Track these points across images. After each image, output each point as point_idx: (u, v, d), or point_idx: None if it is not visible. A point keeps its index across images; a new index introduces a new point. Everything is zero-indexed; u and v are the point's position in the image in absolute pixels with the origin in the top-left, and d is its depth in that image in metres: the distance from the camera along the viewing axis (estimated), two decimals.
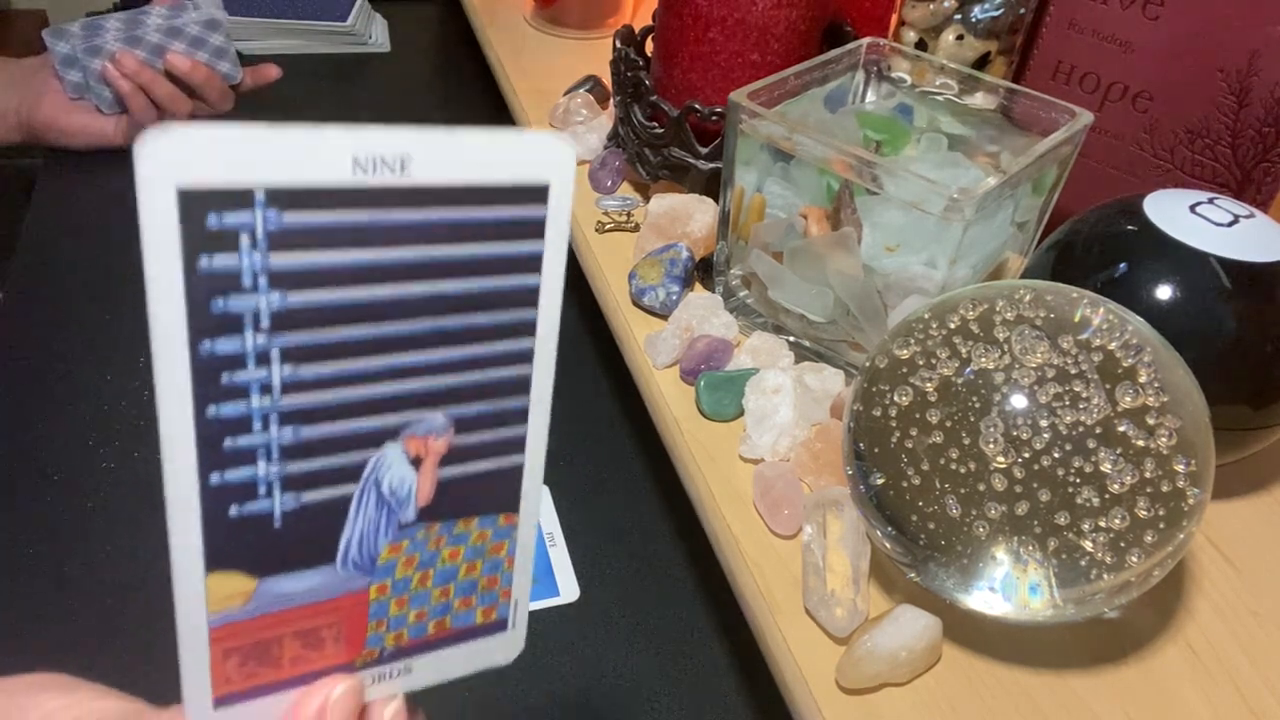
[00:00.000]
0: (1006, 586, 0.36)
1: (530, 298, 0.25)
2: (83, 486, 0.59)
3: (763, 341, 0.53)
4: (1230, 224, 0.43)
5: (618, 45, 0.64)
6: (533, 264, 0.24)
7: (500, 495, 0.27)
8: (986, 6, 0.56)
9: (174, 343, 0.21)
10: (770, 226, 0.52)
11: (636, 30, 0.66)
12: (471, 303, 0.24)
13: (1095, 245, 0.45)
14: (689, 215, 0.60)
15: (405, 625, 0.27)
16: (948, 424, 0.36)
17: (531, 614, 0.56)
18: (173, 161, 0.19)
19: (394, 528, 0.25)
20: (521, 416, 0.26)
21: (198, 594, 0.23)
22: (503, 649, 0.29)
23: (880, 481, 0.38)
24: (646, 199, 0.65)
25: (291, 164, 0.20)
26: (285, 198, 0.20)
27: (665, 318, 0.57)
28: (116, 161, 0.88)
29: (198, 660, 0.24)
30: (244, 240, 0.20)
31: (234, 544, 0.23)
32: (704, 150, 0.61)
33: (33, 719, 0.27)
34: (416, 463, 0.25)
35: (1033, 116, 0.51)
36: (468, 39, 1.01)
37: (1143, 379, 0.35)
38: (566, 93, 0.78)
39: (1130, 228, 0.44)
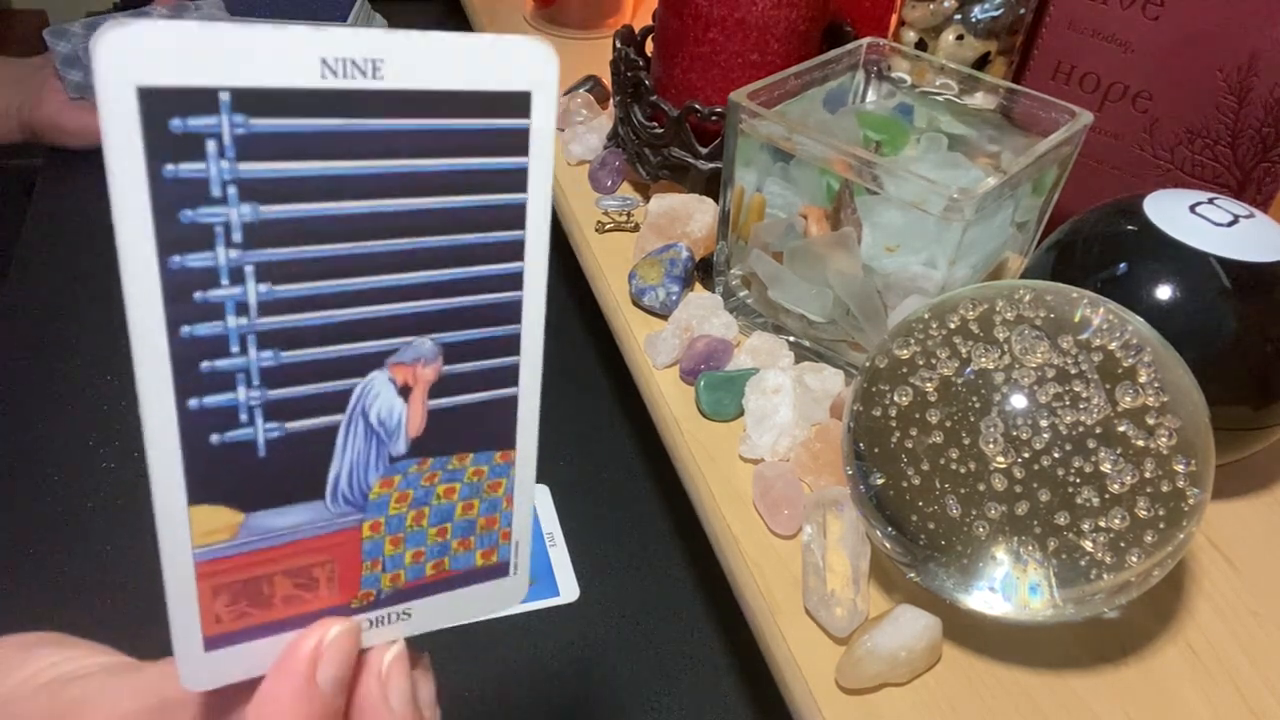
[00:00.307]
0: (1006, 586, 0.36)
1: (517, 217, 0.24)
2: (83, 486, 0.59)
3: (763, 341, 0.53)
4: (1230, 224, 0.43)
5: (618, 45, 0.64)
6: (518, 180, 0.23)
7: (495, 430, 0.26)
8: (986, 6, 0.56)
9: (142, 257, 0.20)
10: (770, 226, 0.52)
11: (636, 30, 0.66)
12: (455, 220, 0.23)
13: (1095, 245, 0.45)
14: (689, 215, 0.60)
15: (402, 566, 0.26)
16: (948, 424, 0.36)
17: (531, 614, 0.56)
18: (133, 59, 0.18)
19: (384, 461, 0.24)
20: (514, 345, 0.25)
21: (181, 526, 0.22)
22: (505, 595, 0.28)
23: (880, 481, 0.38)
24: (646, 199, 0.65)
25: (257, 65, 0.19)
26: (252, 101, 0.20)
27: (665, 318, 0.57)
28: None
29: (185, 598, 0.23)
30: (210, 146, 0.20)
31: (217, 475, 0.22)
32: (704, 150, 0.61)
33: (28, 672, 0.27)
34: (405, 392, 0.24)
35: (1033, 116, 0.51)
36: None
37: (1143, 379, 0.35)
38: (566, 93, 0.78)
39: (1130, 228, 0.44)
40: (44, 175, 0.87)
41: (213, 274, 0.21)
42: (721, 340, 0.53)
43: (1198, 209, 0.44)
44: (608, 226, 0.65)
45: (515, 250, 0.24)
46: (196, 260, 0.20)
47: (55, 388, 0.66)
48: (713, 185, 0.61)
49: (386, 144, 0.21)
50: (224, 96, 0.19)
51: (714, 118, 0.59)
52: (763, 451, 0.48)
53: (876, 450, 0.38)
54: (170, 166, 0.19)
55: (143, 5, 0.85)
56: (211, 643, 0.24)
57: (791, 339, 0.54)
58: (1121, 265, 0.43)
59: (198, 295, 0.21)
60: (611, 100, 0.70)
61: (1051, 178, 0.50)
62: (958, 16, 0.57)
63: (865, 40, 0.56)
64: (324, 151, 0.21)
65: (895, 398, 0.38)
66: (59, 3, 1.64)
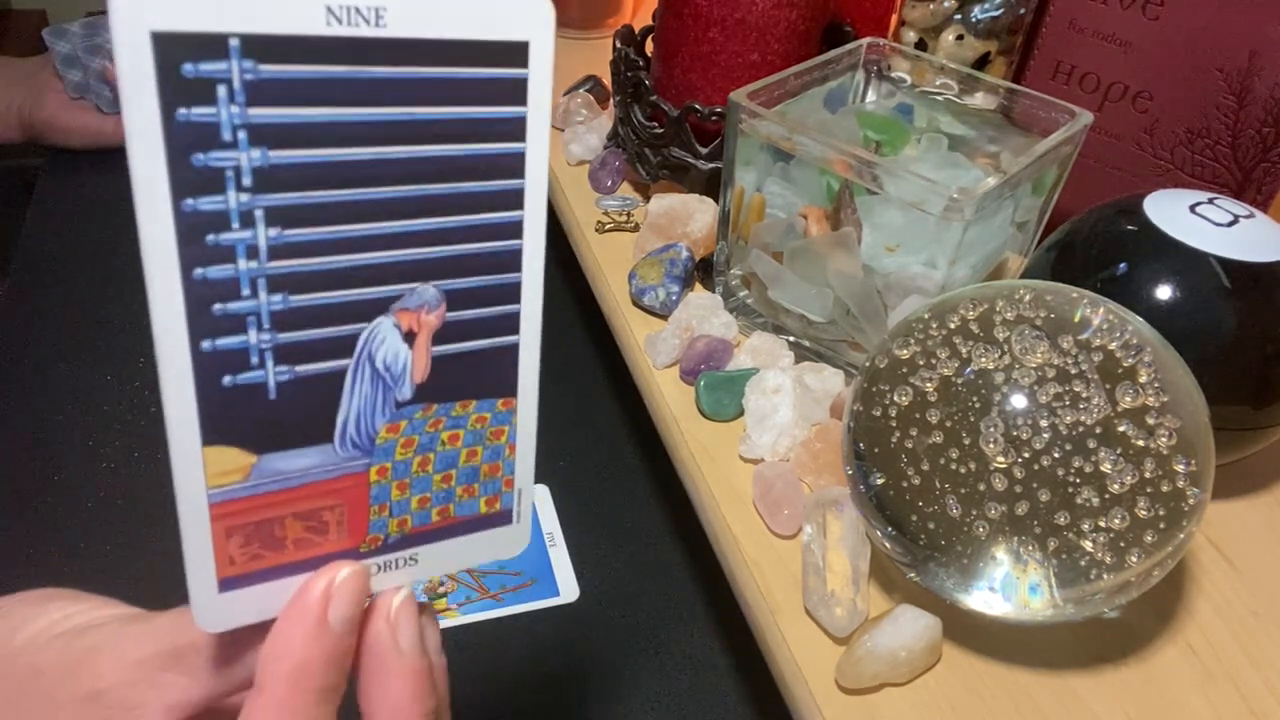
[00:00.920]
0: (1006, 586, 0.36)
1: (516, 165, 0.24)
2: (83, 486, 0.59)
3: (763, 341, 0.53)
4: (1230, 224, 0.43)
5: (618, 45, 0.64)
6: (516, 129, 0.24)
7: (498, 378, 0.27)
8: (986, 6, 0.56)
9: (158, 199, 0.20)
10: (770, 226, 0.52)
11: (636, 30, 0.66)
12: (457, 168, 0.23)
13: (1095, 245, 0.45)
14: (689, 215, 0.60)
15: (408, 512, 0.26)
16: (948, 424, 0.36)
17: (531, 614, 0.56)
18: (147, 4, 0.19)
19: (390, 406, 0.25)
20: (514, 294, 0.26)
21: (196, 467, 0.23)
22: (507, 542, 0.29)
23: (880, 481, 0.38)
24: (646, 199, 0.65)
25: (265, 12, 0.20)
26: (260, 47, 0.20)
27: (665, 318, 0.57)
28: (117, 161, 0.87)
29: (200, 539, 0.23)
30: (221, 91, 0.20)
31: (230, 416, 0.23)
32: (704, 150, 0.61)
33: (43, 624, 0.28)
34: (410, 338, 0.25)
35: (1033, 116, 0.51)
36: None
37: (1143, 379, 0.35)
38: (566, 93, 0.78)
39: (1130, 228, 0.44)
40: (44, 175, 0.87)
41: (224, 217, 0.21)
42: (721, 340, 0.53)
43: (1198, 209, 0.44)
44: (608, 226, 0.65)
45: (515, 199, 0.25)
46: (209, 203, 0.21)
47: (55, 388, 0.66)
48: (713, 185, 0.61)
49: (390, 91, 0.22)
50: (234, 42, 0.20)
51: (714, 118, 0.59)
52: (763, 451, 0.48)
53: (876, 450, 0.38)
54: (183, 110, 0.20)
55: None
56: (225, 584, 0.24)
57: (791, 339, 0.54)
58: (1121, 265, 0.43)
59: (210, 238, 0.21)
60: (611, 100, 0.70)
61: (1051, 178, 0.50)
62: (958, 16, 0.57)
63: (865, 40, 0.56)
64: (330, 98, 0.21)
65: (895, 398, 0.38)
66: (59, 3, 1.64)
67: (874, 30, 0.61)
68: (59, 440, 0.62)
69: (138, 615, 0.28)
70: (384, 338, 0.24)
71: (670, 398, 0.52)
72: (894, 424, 0.38)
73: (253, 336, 0.22)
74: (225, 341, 0.22)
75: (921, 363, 0.38)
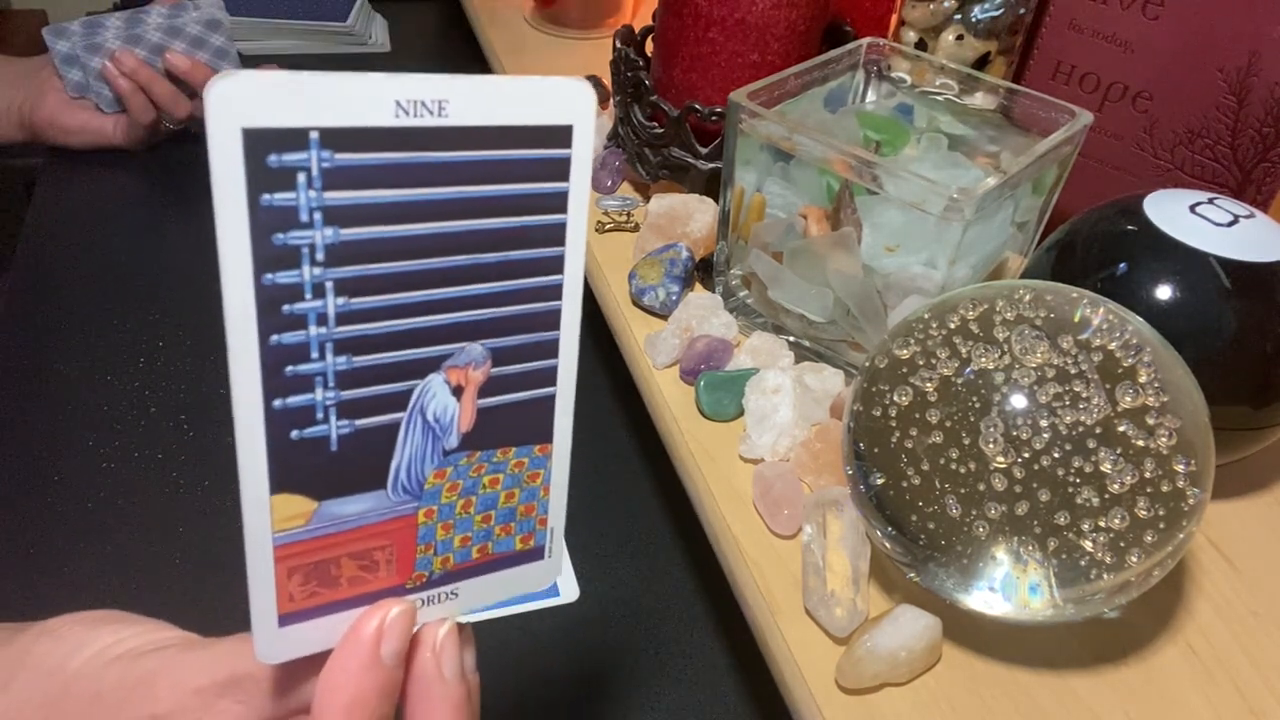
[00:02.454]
0: (1006, 586, 0.36)
1: (558, 235, 0.27)
2: (83, 486, 0.59)
3: (763, 341, 0.53)
4: (1230, 224, 0.43)
5: (618, 45, 0.64)
6: (559, 202, 0.26)
7: (535, 425, 0.29)
8: (986, 6, 0.56)
9: (241, 276, 0.22)
10: (770, 226, 0.52)
11: (636, 30, 0.66)
12: (506, 239, 0.26)
13: (1095, 245, 0.45)
14: (689, 215, 0.60)
15: (451, 550, 0.28)
16: (948, 424, 0.36)
17: (531, 614, 0.56)
18: (240, 103, 0.21)
19: (439, 454, 0.27)
20: (553, 349, 0.28)
21: (264, 513, 0.25)
22: (540, 576, 0.31)
23: (880, 481, 0.38)
24: (646, 199, 0.65)
25: (342, 107, 0.22)
26: (337, 138, 0.22)
27: (665, 318, 0.57)
28: (117, 161, 0.88)
29: (264, 578, 0.25)
30: (301, 178, 0.22)
31: (296, 466, 0.25)
32: (704, 150, 0.61)
33: (96, 648, 0.29)
34: (458, 392, 0.27)
35: (1033, 116, 0.51)
36: (468, 39, 1.01)
37: (1143, 379, 0.35)
38: None
39: (1130, 228, 0.44)
40: (44, 175, 0.87)
41: (299, 289, 0.23)
42: (721, 340, 0.53)
43: (1198, 209, 0.44)
44: (608, 226, 0.65)
45: (556, 264, 0.27)
46: (286, 277, 0.23)
47: (55, 388, 0.66)
48: (713, 185, 0.61)
49: (449, 173, 0.24)
50: (314, 135, 0.22)
51: (714, 118, 0.59)
52: (763, 451, 0.48)
53: (876, 450, 0.38)
54: (267, 196, 0.22)
55: (141, 4, 0.85)
56: (285, 619, 0.26)
57: (791, 339, 0.54)
58: (1121, 265, 0.43)
59: (285, 308, 0.23)
60: (611, 100, 0.70)
61: (1051, 178, 0.50)
62: (958, 16, 0.57)
63: (865, 40, 0.56)
64: (397, 180, 0.24)
65: (895, 398, 0.38)
66: (59, 2, 1.64)
67: (874, 30, 0.61)
68: (59, 440, 0.62)
69: (195, 641, 0.29)
70: (435, 393, 0.26)
71: (670, 398, 0.52)
72: (894, 424, 0.38)
73: (319, 394, 0.25)
74: (295, 400, 0.24)
75: (921, 363, 0.38)
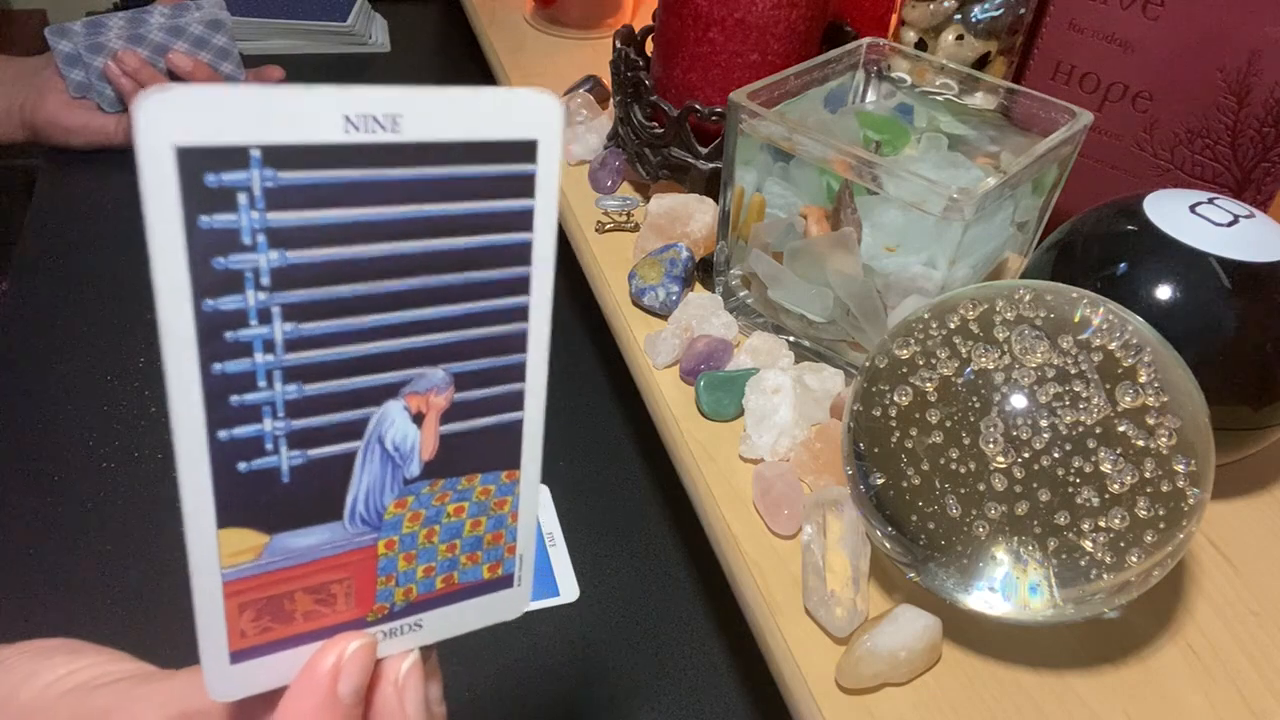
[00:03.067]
0: (1006, 586, 0.36)
1: (523, 254, 0.25)
2: (83, 486, 0.59)
3: (763, 341, 0.53)
4: (1230, 224, 0.43)
5: (618, 45, 0.64)
6: (524, 220, 0.25)
7: (502, 451, 0.27)
8: (986, 6, 0.56)
9: (178, 301, 0.21)
10: (770, 226, 0.52)
11: (636, 30, 0.66)
12: (467, 259, 0.24)
13: (1095, 245, 0.45)
14: (689, 215, 0.60)
15: (414, 581, 0.27)
16: (948, 424, 0.36)
17: (531, 614, 0.56)
18: (171, 120, 0.20)
19: (399, 484, 0.26)
20: (519, 373, 0.26)
21: (210, 549, 0.23)
22: (509, 604, 0.29)
23: (880, 481, 0.38)
24: (646, 199, 0.65)
25: (286, 123, 0.21)
26: (281, 156, 0.21)
27: (665, 318, 0.57)
28: (118, 161, 0.87)
29: (213, 614, 0.24)
30: (242, 199, 0.21)
31: (244, 500, 0.23)
32: (704, 150, 0.61)
33: (47, 680, 0.28)
34: (418, 419, 0.25)
35: (1033, 116, 0.51)
36: (468, 39, 1.01)
37: (1143, 379, 0.35)
38: (566, 93, 0.78)
39: (1130, 228, 0.44)
40: (44, 175, 0.87)
41: (243, 315, 0.22)
42: (721, 340, 0.53)
43: (1198, 209, 0.44)
44: (608, 226, 0.65)
45: (522, 285, 0.25)
46: (228, 303, 0.22)
47: (55, 388, 0.66)
48: (713, 185, 0.61)
49: (405, 191, 0.23)
50: (255, 153, 0.21)
51: (714, 118, 0.59)
52: (763, 451, 0.48)
53: (876, 450, 0.38)
54: (205, 218, 0.21)
55: (143, 5, 0.85)
56: (237, 656, 0.25)
57: (791, 339, 0.54)
58: (1121, 265, 0.43)
59: (228, 335, 0.22)
60: (611, 100, 0.70)
61: (1051, 178, 0.50)
62: (958, 16, 0.57)
63: (865, 40, 0.56)
64: (347, 200, 0.22)
65: (895, 398, 0.38)
66: (59, 2, 1.65)
67: (874, 30, 0.61)
68: (59, 440, 0.62)
69: (150, 674, 0.28)
70: (394, 420, 0.25)
71: (670, 398, 0.52)
72: (894, 424, 0.38)
73: (268, 425, 0.23)
74: (241, 430, 0.23)
75: (921, 363, 0.38)
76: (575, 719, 0.50)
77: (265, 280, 0.22)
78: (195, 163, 0.20)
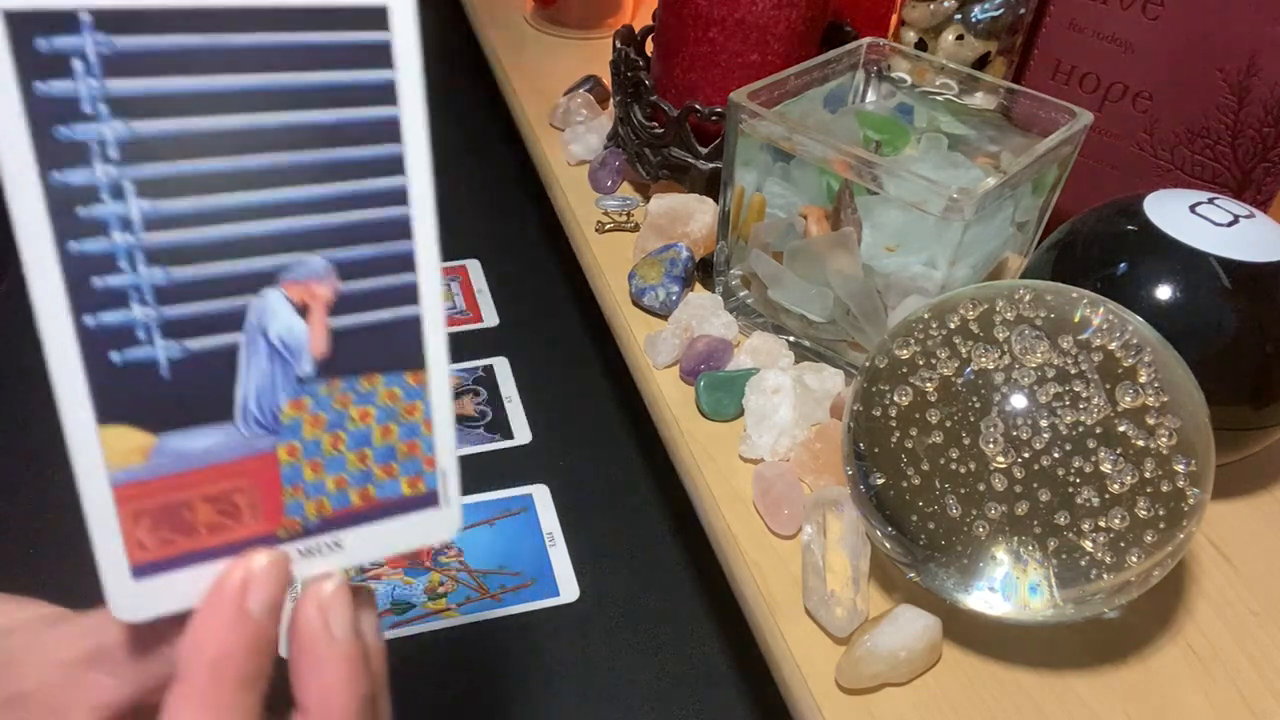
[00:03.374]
0: (1006, 586, 0.36)
1: (392, 131, 0.24)
2: None
3: (763, 341, 0.53)
4: (1230, 224, 0.43)
5: (618, 45, 0.64)
6: (387, 94, 0.24)
7: (403, 351, 0.26)
8: (986, 6, 0.56)
9: (25, 173, 0.21)
10: (770, 226, 0.52)
11: (636, 30, 0.66)
12: (331, 135, 0.24)
13: (1095, 245, 0.45)
14: (689, 215, 0.60)
15: (325, 493, 0.26)
16: (948, 424, 0.36)
17: (531, 614, 0.56)
18: None
19: (291, 382, 0.25)
20: (408, 263, 0.26)
21: (93, 447, 0.23)
22: (437, 526, 0.28)
23: (880, 481, 0.38)
24: (646, 199, 0.65)
25: None
26: (113, 20, 0.21)
27: (665, 318, 0.57)
28: None
29: (106, 523, 0.23)
30: (77, 64, 0.21)
31: (123, 395, 0.23)
32: (704, 150, 0.61)
33: None
34: (304, 311, 0.24)
35: (1033, 116, 0.51)
36: (468, 39, 1.01)
37: (1143, 379, 0.35)
38: (566, 93, 0.78)
39: (1130, 228, 0.44)
40: None
41: (93, 190, 0.21)
42: (721, 340, 0.53)
43: (1198, 209, 0.44)
44: (608, 226, 0.65)
45: (395, 165, 0.25)
46: (76, 176, 0.21)
47: None
48: (713, 185, 0.61)
49: (250, 59, 0.22)
50: (85, 17, 0.21)
51: (714, 118, 0.59)
52: (763, 451, 0.48)
53: (876, 450, 0.38)
54: (40, 84, 0.20)
55: None
56: (139, 571, 0.24)
57: (791, 339, 0.54)
58: (1121, 265, 0.43)
59: (81, 210, 0.21)
60: (611, 100, 0.70)
61: (1051, 178, 0.50)
62: (958, 16, 0.57)
63: (865, 40, 0.56)
64: (192, 69, 0.22)
65: (895, 398, 0.38)
66: None
67: (874, 30, 0.61)
68: (59, 440, 0.62)
69: (60, 615, 0.27)
70: (275, 311, 0.24)
71: (670, 398, 0.52)
72: (894, 424, 0.38)
73: (137, 311, 0.22)
74: (109, 317, 0.22)
75: (921, 363, 0.38)
76: (575, 719, 0.50)
77: (113, 152, 0.21)
78: (25, 26, 0.20)
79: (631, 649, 0.53)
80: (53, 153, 0.21)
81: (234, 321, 0.24)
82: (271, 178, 0.23)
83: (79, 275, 0.22)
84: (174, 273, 0.23)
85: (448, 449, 0.28)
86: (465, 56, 1.10)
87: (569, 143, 0.72)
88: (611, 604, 0.56)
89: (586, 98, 0.76)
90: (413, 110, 0.24)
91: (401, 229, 0.25)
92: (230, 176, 0.23)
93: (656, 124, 0.62)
